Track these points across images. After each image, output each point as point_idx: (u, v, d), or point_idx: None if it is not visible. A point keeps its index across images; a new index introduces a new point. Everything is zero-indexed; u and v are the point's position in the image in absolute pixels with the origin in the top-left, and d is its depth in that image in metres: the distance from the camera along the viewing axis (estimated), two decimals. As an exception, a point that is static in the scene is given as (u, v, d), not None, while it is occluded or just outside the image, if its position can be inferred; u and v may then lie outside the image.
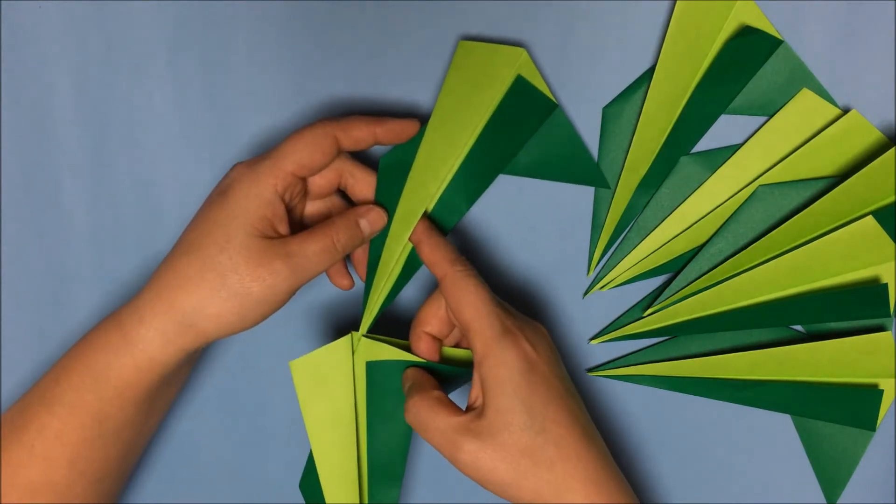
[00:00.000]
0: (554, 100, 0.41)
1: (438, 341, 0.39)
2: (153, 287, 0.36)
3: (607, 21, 0.42)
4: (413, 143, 0.40)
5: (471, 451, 0.34)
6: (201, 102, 0.43)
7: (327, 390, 0.39)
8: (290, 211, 0.38)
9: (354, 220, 0.38)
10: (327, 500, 0.39)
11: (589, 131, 0.43)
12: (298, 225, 0.40)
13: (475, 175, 0.40)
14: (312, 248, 0.36)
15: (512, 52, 0.41)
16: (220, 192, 0.36)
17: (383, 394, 0.39)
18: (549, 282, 0.44)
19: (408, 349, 0.39)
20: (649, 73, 0.42)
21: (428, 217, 0.40)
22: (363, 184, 0.40)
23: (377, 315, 0.40)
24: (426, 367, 0.39)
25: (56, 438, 0.35)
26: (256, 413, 0.44)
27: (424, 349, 0.39)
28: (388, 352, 0.39)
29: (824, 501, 0.44)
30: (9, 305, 0.44)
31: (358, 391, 0.40)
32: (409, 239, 0.39)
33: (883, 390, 0.41)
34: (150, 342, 0.35)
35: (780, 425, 0.44)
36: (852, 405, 0.41)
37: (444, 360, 0.39)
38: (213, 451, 0.44)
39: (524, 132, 0.41)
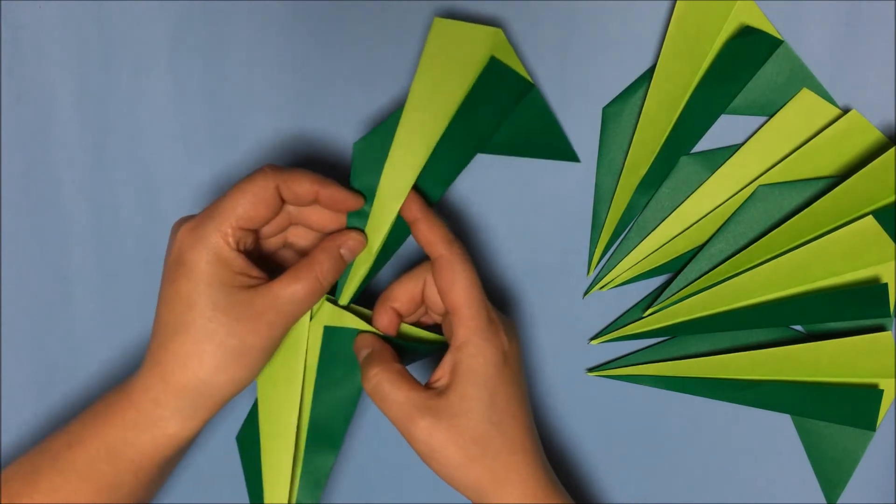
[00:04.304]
0: (530, 79, 0.41)
1: (400, 317, 0.39)
2: (155, 371, 0.35)
3: (607, 21, 0.42)
4: (389, 125, 0.40)
5: (426, 427, 0.35)
6: (201, 102, 0.43)
7: (284, 343, 0.39)
8: (252, 252, 0.38)
9: (336, 252, 0.38)
10: (263, 452, 0.39)
11: (589, 131, 0.43)
12: (258, 257, 0.39)
13: (451, 158, 0.40)
14: (301, 293, 0.36)
15: (487, 32, 0.40)
16: (176, 264, 0.35)
17: (336, 360, 0.39)
18: (549, 282, 0.44)
19: (367, 319, 0.39)
20: (649, 73, 0.42)
21: (418, 194, 0.40)
22: (317, 216, 0.39)
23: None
24: (383, 337, 0.39)
25: (66, 500, 0.35)
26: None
27: (386, 323, 0.39)
28: (348, 319, 0.39)
29: (824, 501, 0.44)
30: (9, 305, 0.44)
31: (310, 352, 0.40)
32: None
33: (883, 390, 0.41)
34: (169, 420, 0.35)
35: (780, 425, 0.44)
36: (852, 405, 0.41)
37: (400, 336, 0.40)
38: (213, 451, 0.44)
39: (499, 113, 0.40)
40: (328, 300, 0.40)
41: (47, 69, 0.43)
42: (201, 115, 0.43)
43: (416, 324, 0.41)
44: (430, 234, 0.38)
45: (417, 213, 0.38)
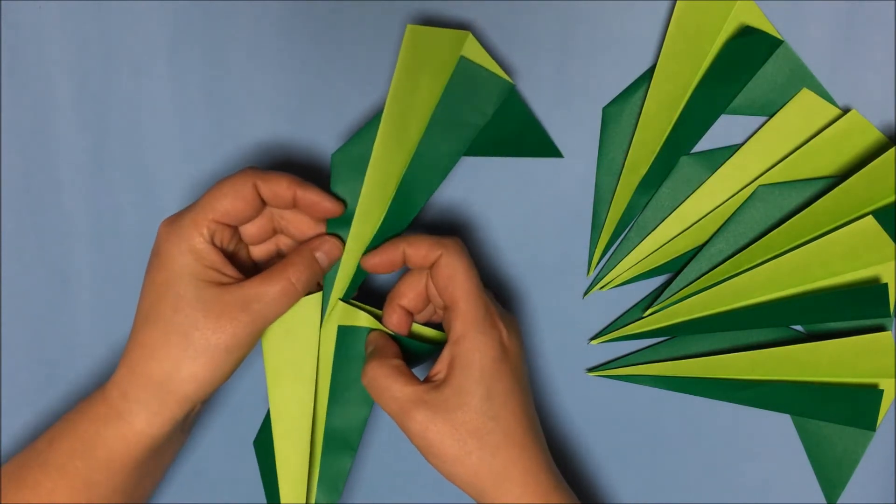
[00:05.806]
0: (509, 80, 0.40)
1: (411, 315, 0.39)
2: (126, 362, 0.36)
3: (607, 21, 0.42)
4: (367, 136, 0.39)
5: (422, 421, 0.35)
6: (201, 102, 0.43)
7: (292, 343, 0.39)
8: (234, 254, 0.38)
9: (311, 256, 0.38)
10: (277, 455, 0.39)
11: (589, 131, 0.43)
12: (251, 266, 0.40)
13: (429, 166, 0.40)
14: (271, 293, 0.36)
15: (456, 36, 0.40)
16: (154, 255, 0.36)
17: (350, 360, 0.39)
18: (549, 282, 0.44)
19: (381, 319, 0.39)
20: (649, 73, 0.42)
21: (380, 244, 0.39)
22: (297, 222, 0.39)
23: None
24: (391, 335, 0.39)
25: (48, 496, 0.35)
26: (256, 411, 0.44)
27: (396, 322, 0.39)
28: (362, 318, 0.39)
29: (824, 501, 0.44)
30: (9, 305, 0.44)
31: (325, 354, 0.40)
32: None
33: (883, 390, 0.41)
34: (136, 415, 0.35)
35: (780, 425, 0.44)
36: (852, 405, 0.41)
37: (413, 336, 0.40)
38: (213, 450, 0.44)
39: (478, 114, 0.40)
40: (342, 301, 0.40)
41: (47, 69, 0.43)
42: (201, 115, 0.43)
43: (428, 323, 0.40)
44: (417, 254, 0.37)
45: (398, 248, 0.37)
